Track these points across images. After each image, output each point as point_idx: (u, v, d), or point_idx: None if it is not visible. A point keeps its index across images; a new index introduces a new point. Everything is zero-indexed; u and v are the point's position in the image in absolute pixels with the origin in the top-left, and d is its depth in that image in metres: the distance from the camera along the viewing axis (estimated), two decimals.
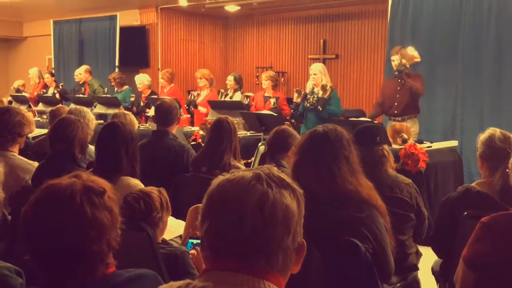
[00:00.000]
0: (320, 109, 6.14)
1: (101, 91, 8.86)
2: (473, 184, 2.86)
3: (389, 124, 5.95)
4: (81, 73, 9.20)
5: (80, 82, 9.51)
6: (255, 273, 1.17)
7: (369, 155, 2.80)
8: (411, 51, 5.82)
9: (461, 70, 6.74)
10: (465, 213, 2.61)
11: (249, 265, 1.17)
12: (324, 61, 10.39)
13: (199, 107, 7.51)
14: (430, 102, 6.73)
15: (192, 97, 7.72)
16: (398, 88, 5.91)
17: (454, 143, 5.82)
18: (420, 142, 5.23)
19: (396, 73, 5.80)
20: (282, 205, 1.18)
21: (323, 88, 6.19)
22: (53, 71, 10.72)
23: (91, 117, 4.31)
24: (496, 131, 2.84)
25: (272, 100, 6.92)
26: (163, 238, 2.58)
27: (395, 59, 5.92)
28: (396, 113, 5.98)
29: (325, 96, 6.15)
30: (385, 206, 2.38)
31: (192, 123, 7.82)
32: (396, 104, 5.94)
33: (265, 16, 11.29)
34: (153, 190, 2.53)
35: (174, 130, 4.32)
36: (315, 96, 6.21)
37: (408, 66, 5.74)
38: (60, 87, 9.27)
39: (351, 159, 2.34)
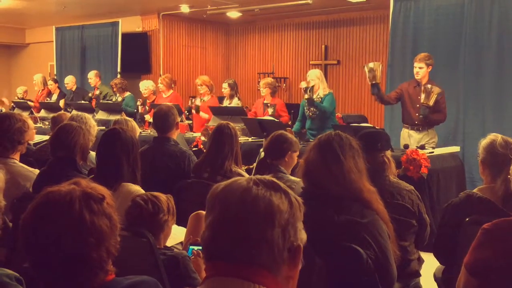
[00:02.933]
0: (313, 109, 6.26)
1: (113, 95, 8.90)
2: (474, 190, 2.85)
3: (403, 133, 5.86)
4: (91, 77, 9.32)
5: (73, 89, 9.58)
6: (243, 273, 1.18)
7: (370, 161, 2.80)
8: (431, 91, 5.49)
9: (462, 75, 6.73)
10: (467, 219, 2.60)
11: (233, 262, 1.19)
12: (325, 67, 10.41)
13: (201, 113, 7.48)
14: None
15: (191, 103, 7.70)
16: (419, 97, 5.63)
17: (456, 148, 5.81)
18: (422, 147, 5.22)
19: (421, 117, 5.54)
20: (265, 199, 1.21)
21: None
22: (56, 78, 10.74)
23: (93, 123, 4.31)
24: (498, 137, 2.84)
25: (270, 110, 6.90)
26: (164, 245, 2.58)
27: (417, 66, 5.68)
28: (417, 123, 5.72)
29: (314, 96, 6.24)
30: (386, 212, 2.39)
31: (191, 129, 7.80)
32: (417, 114, 5.66)
33: (267, 22, 11.31)
34: (161, 194, 2.56)
35: (175, 136, 4.32)
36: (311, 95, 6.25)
37: (431, 104, 5.48)
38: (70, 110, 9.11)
39: (356, 158, 2.42)
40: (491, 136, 2.87)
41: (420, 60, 5.70)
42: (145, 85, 8.36)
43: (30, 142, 4.44)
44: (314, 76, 6.42)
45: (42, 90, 10.16)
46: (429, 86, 5.53)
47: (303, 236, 1.26)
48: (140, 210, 2.44)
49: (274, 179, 1.27)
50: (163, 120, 4.23)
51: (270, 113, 6.83)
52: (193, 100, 7.73)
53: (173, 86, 8.43)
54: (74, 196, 1.37)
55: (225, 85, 7.55)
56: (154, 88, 8.43)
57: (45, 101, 9.56)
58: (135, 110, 8.10)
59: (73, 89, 9.76)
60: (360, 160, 2.43)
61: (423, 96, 5.52)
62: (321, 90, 6.41)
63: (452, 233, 2.69)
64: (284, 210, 1.22)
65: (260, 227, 1.19)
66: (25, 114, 7.00)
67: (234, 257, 1.19)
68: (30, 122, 3.80)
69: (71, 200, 1.37)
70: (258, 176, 1.27)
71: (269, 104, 7.00)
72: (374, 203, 2.35)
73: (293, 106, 7.61)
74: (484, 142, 2.87)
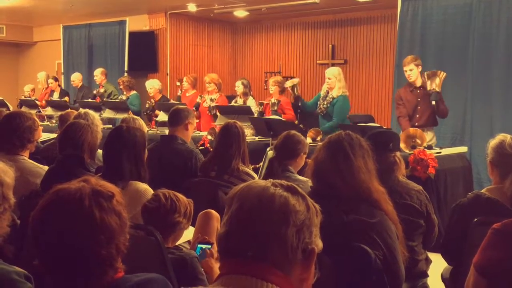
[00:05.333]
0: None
1: (117, 94, 8.90)
2: (483, 190, 2.84)
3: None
4: (97, 75, 9.30)
5: (78, 87, 9.60)
6: (255, 271, 1.18)
7: (381, 161, 2.79)
8: (435, 76, 5.50)
9: (470, 75, 6.71)
10: (476, 219, 2.59)
11: (246, 259, 1.19)
12: (332, 66, 10.38)
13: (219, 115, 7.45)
14: None
15: (199, 99, 7.69)
16: (419, 99, 5.70)
17: (463, 149, 5.79)
18: (430, 148, 5.20)
19: (433, 103, 5.48)
20: (281, 198, 1.22)
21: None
22: (56, 76, 10.71)
23: (97, 117, 4.31)
24: (507, 137, 2.83)
25: (272, 100, 6.88)
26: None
27: (407, 70, 5.72)
28: (417, 125, 5.70)
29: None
30: (395, 213, 2.38)
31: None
32: (417, 116, 5.71)
33: (274, 21, 11.30)
34: (183, 197, 2.58)
35: (183, 135, 4.33)
36: (326, 103, 6.21)
37: (440, 91, 5.48)
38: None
39: (366, 158, 2.41)
40: (500, 137, 2.86)
41: (408, 63, 5.75)
42: (151, 85, 8.36)
43: (38, 140, 4.45)
44: (332, 74, 6.31)
45: (46, 88, 10.18)
46: (429, 72, 5.56)
47: (319, 242, 1.26)
48: (158, 205, 2.47)
49: (294, 184, 1.28)
50: (176, 113, 4.35)
51: (271, 108, 6.81)
52: (201, 97, 7.71)
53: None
54: (84, 194, 1.38)
55: (238, 83, 7.56)
56: (160, 87, 8.43)
57: (49, 99, 9.58)
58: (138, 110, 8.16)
59: (79, 87, 9.77)
60: (370, 160, 2.42)
61: (428, 82, 5.52)
62: (336, 90, 6.26)
63: (461, 233, 2.68)
64: (300, 211, 1.22)
65: (274, 224, 1.20)
66: (33, 112, 7.04)
67: (247, 254, 1.19)
68: (37, 120, 3.81)
69: (81, 198, 1.37)
70: (277, 180, 1.28)
71: (274, 100, 6.99)
72: (383, 203, 2.34)
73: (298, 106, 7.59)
74: (493, 142, 2.86)
